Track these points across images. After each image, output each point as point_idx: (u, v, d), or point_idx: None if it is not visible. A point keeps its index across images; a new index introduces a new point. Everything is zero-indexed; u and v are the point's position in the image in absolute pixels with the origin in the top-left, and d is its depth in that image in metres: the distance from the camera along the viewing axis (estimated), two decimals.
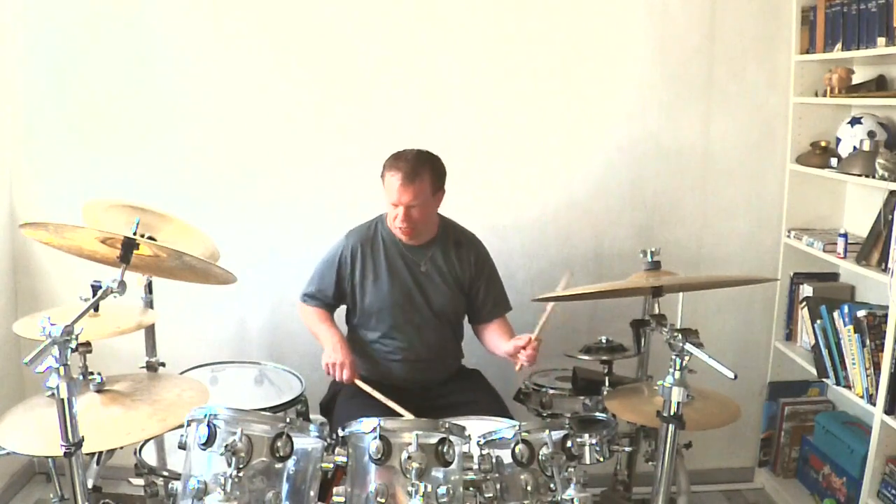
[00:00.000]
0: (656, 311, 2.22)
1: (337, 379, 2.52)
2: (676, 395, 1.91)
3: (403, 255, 2.59)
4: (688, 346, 1.90)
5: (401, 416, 2.36)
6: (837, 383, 2.80)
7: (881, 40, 2.60)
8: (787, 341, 3.24)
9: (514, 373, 2.71)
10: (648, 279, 2.32)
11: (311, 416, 2.59)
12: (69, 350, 1.64)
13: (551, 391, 2.70)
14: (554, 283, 3.09)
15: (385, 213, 2.63)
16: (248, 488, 1.70)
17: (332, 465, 1.84)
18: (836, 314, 2.78)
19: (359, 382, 2.51)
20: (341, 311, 2.76)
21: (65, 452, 1.66)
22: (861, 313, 2.65)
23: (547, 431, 1.89)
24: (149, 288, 2.55)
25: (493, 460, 1.89)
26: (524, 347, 2.46)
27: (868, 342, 2.62)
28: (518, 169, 3.12)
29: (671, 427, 1.94)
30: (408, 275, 2.58)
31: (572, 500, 1.78)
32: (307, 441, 1.83)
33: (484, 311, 2.70)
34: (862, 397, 2.66)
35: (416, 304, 2.59)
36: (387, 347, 2.61)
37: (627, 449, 2.48)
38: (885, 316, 2.54)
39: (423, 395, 2.57)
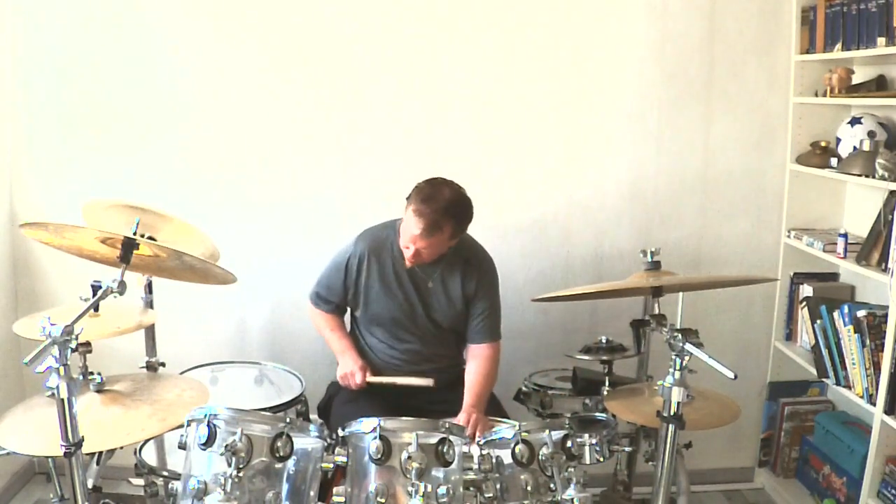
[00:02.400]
0: (656, 311, 2.23)
1: (353, 387, 2.52)
2: (676, 395, 1.91)
3: (412, 270, 2.53)
4: (688, 346, 1.90)
5: (424, 386, 2.42)
6: (837, 383, 2.80)
7: (881, 40, 2.60)
8: (787, 341, 3.24)
9: (513, 373, 2.72)
10: (648, 279, 2.33)
11: (311, 417, 2.59)
12: (69, 350, 1.64)
13: (551, 391, 2.70)
14: (554, 283, 3.11)
15: (398, 221, 2.52)
16: (248, 488, 1.70)
17: (332, 465, 1.84)
18: (836, 314, 2.78)
19: (371, 379, 2.51)
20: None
21: (65, 452, 1.66)
22: (861, 313, 2.65)
23: (547, 431, 1.90)
24: (149, 288, 2.55)
25: (493, 460, 1.89)
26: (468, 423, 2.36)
27: (868, 342, 2.62)
28: (518, 169, 3.12)
29: (671, 427, 1.95)
30: (413, 289, 2.54)
31: (572, 500, 1.79)
32: (307, 441, 1.83)
33: (468, 331, 2.62)
34: (862, 397, 2.66)
35: (417, 317, 2.56)
36: (388, 353, 2.60)
37: (627, 449, 2.49)
38: (885, 316, 2.54)
39: (423, 399, 2.55)
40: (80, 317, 1.69)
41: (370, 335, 2.62)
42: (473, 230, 2.71)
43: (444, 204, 2.35)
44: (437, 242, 2.38)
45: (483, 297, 2.58)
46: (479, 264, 2.59)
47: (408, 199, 2.39)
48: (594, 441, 2.36)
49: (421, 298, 2.55)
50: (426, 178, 2.44)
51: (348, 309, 2.69)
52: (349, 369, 2.53)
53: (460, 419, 2.35)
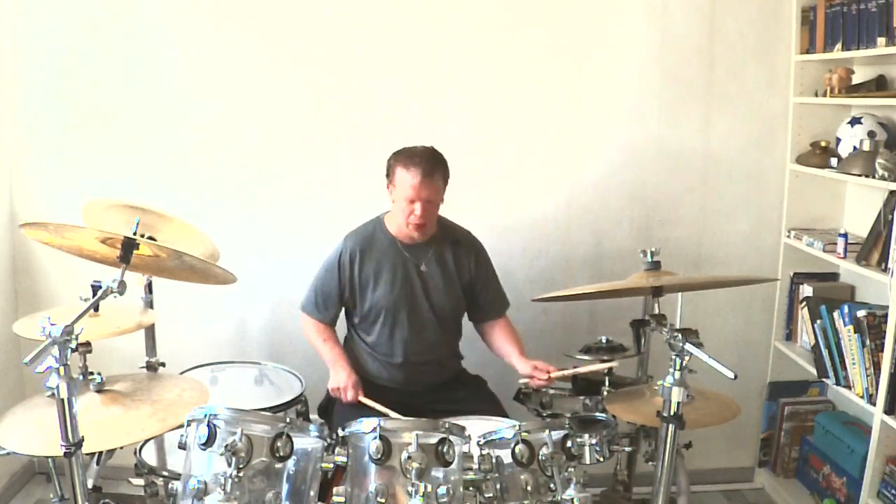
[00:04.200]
0: (656, 311, 2.23)
1: (343, 401, 2.52)
2: (676, 395, 1.91)
3: (404, 256, 2.58)
4: (688, 346, 1.90)
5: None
6: (837, 383, 2.80)
7: (881, 40, 2.60)
8: (787, 341, 3.24)
9: (513, 373, 2.71)
10: (648, 279, 2.33)
11: (311, 417, 2.59)
12: (69, 350, 1.64)
13: (551, 391, 2.70)
14: (554, 283, 3.11)
15: (382, 214, 2.63)
16: (248, 488, 1.70)
17: (332, 465, 1.84)
18: (836, 314, 2.78)
19: (363, 399, 2.51)
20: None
21: (65, 452, 1.66)
22: (861, 313, 2.65)
23: (547, 431, 1.90)
24: (149, 288, 2.55)
25: (493, 460, 1.89)
26: (538, 376, 2.49)
27: (868, 342, 2.62)
28: (518, 169, 3.12)
29: (671, 427, 1.95)
30: (409, 275, 2.57)
31: (572, 500, 1.78)
32: (307, 441, 1.83)
33: (485, 310, 2.71)
34: (862, 397, 2.66)
35: (417, 303, 2.59)
36: (387, 350, 2.61)
37: (627, 449, 2.48)
38: (885, 316, 2.54)
39: (424, 399, 2.56)
40: (80, 317, 1.69)
41: (368, 334, 2.63)
42: (473, 230, 2.73)
43: (426, 149, 2.51)
44: (436, 189, 2.48)
45: (485, 272, 2.67)
46: (469, 243, 2.67)
47: (388, 171, 2.53)
48: (594, 441, 2.36)
49: (419, 282, 2.58)
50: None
51: (342, 317, 2.70)
52: (342, 384, 2.53)
53: (522, 369, 2.53)
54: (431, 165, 2.46)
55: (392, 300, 2.56)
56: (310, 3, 2.98)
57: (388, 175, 2.53)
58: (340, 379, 2.54)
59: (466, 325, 2.78)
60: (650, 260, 2.39)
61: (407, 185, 2.45)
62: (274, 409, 2.39)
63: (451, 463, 1.79)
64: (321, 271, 2.65)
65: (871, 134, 2.79)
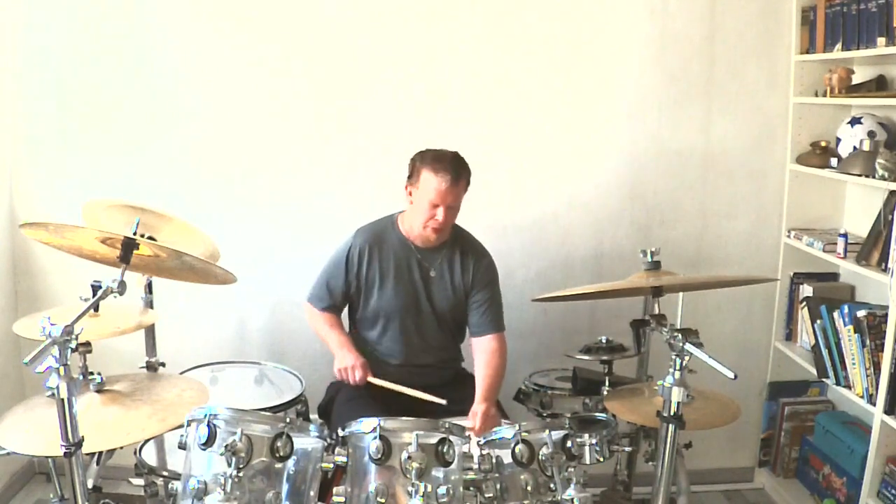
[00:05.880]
0: (656, 311, 2.23)
1: (351, 382, 2.50)
2: (676, 395, 1.91)
3: (416, 259, 2.56)
4: (688, 346, 1.90)
5: (431, 402, 2.37)
6: (837, 383, 2.80)
7: (881, 40, 2.60)
8: (787, 341, 3.24)
9: (513, 373, 2.71)
10: (648, 279, 2.33)
11: (311, 417, 2.59)
12: (69, 350, 1.64)
13: (551, 391, 2.70)
14: (554, 283, 3.11)
15: (395, 213, 2.61)
16: (248, 488, 1.70)
17: (332, 465, 1.84)
18: (836, 314, 2.78)
19: (372, 380, 2.50)
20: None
21: (65, 452, 1.66)
22: (861, 313, 2.65)
23: (547, 431, 1.90)
24: (149, 288, 2.55)
25: (493, 460, 1.89)
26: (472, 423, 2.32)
27: (868, 342, 2.62)
28: (518, 169, 3.12)
29: (671, 427, 1.95)
30: (417, 278, 2.56)
31: (572, 500, 1.78)
32: (307, 441, 1.83)
33: (471, 324, 2.64)
34: (862, 397, 2.67)
35: (420, 307, 2.58)
36: (388, 350, 2.61)
37: (627, 449, 2.49)
38: (885, 316, 2.54)
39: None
40: (80, 317, 1.69)
41: (370, 331, 2.63)
42: (473, 229, 2.72)
43: (453, 154, 2.48)
44: (459, 194, 2.47)
45: (483, 287, 2.60)
46: (477, 256, 2.62)
47: (412, 172, 2.48)
48: (594, 441, 2.36)
49: (425, 286, 2.57)
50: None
51: (346, 311, 2.69)
52: (349, 363, 2.51)
53: (473, 412, 2.33)
54: (458, 172, 2.44)
55: (396, 303, 2.55)
56: (309, 4, 2.98)
57: (410, 176, 2.48)
58: (348, 360, 2.51)
59: None
60: (650, 260, 2.39)
61: (432, 189, 2.41)
62: (274, 409, 2.39)
63: (451, 463, 1.79)
64: (329, 264, 2.63)
65: (871, 134, 2.79)
